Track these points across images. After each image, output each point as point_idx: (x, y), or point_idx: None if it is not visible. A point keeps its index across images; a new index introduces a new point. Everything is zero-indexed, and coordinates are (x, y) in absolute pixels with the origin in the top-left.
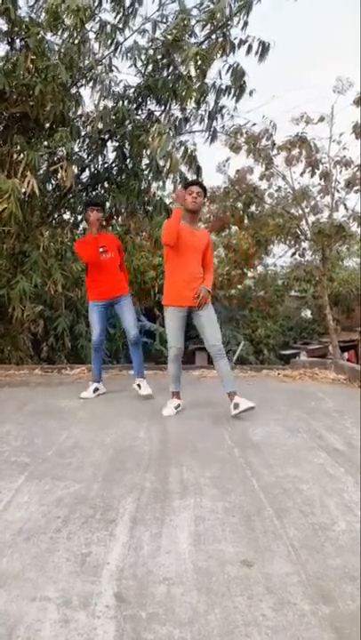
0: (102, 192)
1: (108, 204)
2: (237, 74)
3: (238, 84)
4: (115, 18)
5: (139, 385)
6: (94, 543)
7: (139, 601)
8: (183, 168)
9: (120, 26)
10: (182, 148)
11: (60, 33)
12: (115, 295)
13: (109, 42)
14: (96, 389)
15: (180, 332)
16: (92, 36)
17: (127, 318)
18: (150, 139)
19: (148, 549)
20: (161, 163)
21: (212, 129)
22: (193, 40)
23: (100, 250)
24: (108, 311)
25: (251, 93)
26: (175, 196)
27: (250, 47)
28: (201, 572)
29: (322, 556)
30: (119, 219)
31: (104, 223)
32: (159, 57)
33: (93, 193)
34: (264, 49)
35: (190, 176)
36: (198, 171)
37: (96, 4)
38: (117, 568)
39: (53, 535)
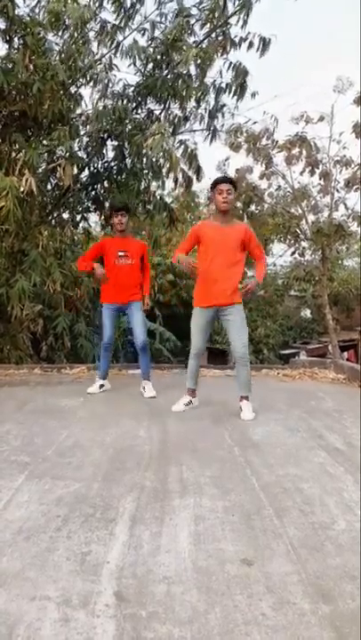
0: (102, 191)
1: (107, 204)
2: (239, 72)
3: (239, 82)
4: (115, 17)
5: (144, 387)
6: (94, 542)
7: (139, 600)
8: (184, 167)
9: (121, 25)
10: (182, 147)
11: (60, 33)
12: (125, 301)
13: (109, 42)
14: (102, 385)
15: (202, 333)
16: (92, 35)
17: (136, 324)
18: (145, 139)
19: (147, 548)
20: (160, 162)
21: (212, 128)
22: (193, 39)
23: (120, 253)
24: (119, 314)
25: (253, 95)
26: (182, 264)
27: (251, 43)
28: (201, 571)
29: (322, 555)
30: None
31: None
32: (158, 56)
33: (93, 192)
34: (265, 45)
35: (191, 176)
36: (198, 170)
37: (97, 5)
38: (117, 567)
39: (53, 534)
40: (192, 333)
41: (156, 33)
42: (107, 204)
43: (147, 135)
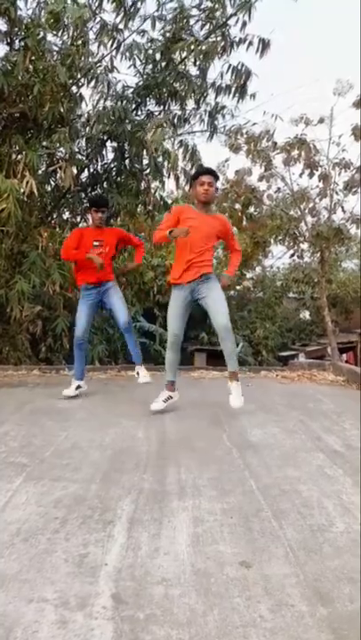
0: (101, 192)
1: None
2: (239, 74)
3: (240, 83)
4: (116, 17)
5: (137, 373)
6: (92, 544)
7: (136, 602)
8: (185, 167)
9: (121, 26)
10: (182, 147)
11: (60, 34)
12: (100, 279)
13: (110, 42)
14: (78, 387)
15: (180, 317)
16: (92, 35)
17: (116, 304)
18: (147, 133)
19: (146, 550)
20: (160, 160)
21: (211, 127)
22: (192, 39)
23: (95, 243)
24: (97, 307)
25: (253, 96)
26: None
27: (250, 44)
28: (199, 574)
29: (320, 557)
30: (118, 219)
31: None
32: (158, 56)
33: (92, 193)
34: (264, 46)
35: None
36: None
37: (97, 4)
38: (115, 569)
39: (51, 536)
40: (169, 320)
41: (156, 34)
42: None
43: (147, 129)
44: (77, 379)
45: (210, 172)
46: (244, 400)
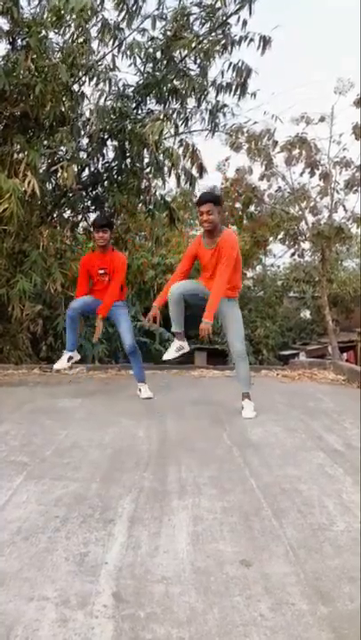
0: (102, 191)
1: (107, 204)
2: (240, 72)
3: (240, 81)
4: (118, 16)
5: (140, 390)
6: (93, 543)
7: (137, 600)
8: (187, 165)
9: (124, 25)
10: (182, 146)
11: (62, 32)
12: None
13: (111, 41)
14: (70, 358)
15: (186, 285)
16: (93, 33)
17: (122, 327)
18: (147, 129)
19: (146, 549)
20: (160, 157)
21: (212, 125)
22: (192, 36)
23: (100, 272)
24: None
25: (254, 95)
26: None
27: (250, 41)
28: (199, 572)
29: (320, 556)
30: (119, 218)
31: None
32: (158, 54)
33: (93, 192)
34: (265, 43)
35: (194, 174)
36: (201, 168)
37: (98, 3)
38: (116, 568)
39: (52, 535)
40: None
41: (156, 33)
42: (106, 204)
43: (146, 123)
44: (69, 350)
45: (207, 200)
46: (250, 409)
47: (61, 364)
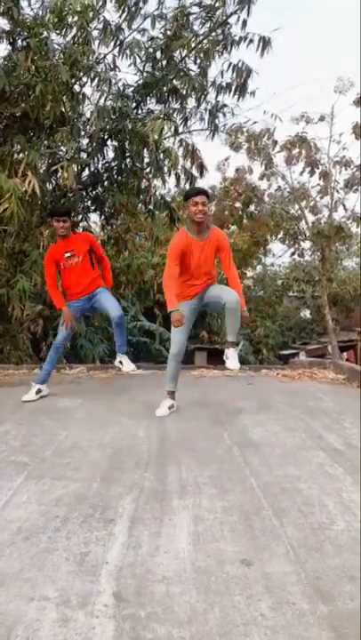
0: (102, 191)
1: (107, 203)
2: (240, 72)
3: (240, 81)
4: (119, 17)
5: (120, 362)
6: (93, 542)
7: (137, 600)
8: (186, 165)
9: (124, 25)
10: (182, 146)
11: (63, 33)
12: (88, 292)
13: (112, 41)
14: (39, 391)
15: (183, 331)
16: (95, 34)
17: (107, 304)
18: (147, 127)
19: (146, 549)
20: (161, 156)
21: (212, 125)
22: (192, 35)
23: (67, 255)
24: (84, 309)
25: (253, 94)
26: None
27: (250, 42)
28: (200, 572)
29: (321, 555)
30: (119, 218)
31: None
32: (158, 54)
33: (93, 192)
34: (265, 44)
35: (194, 174)
36: (201, 167)
37: (99, 4)
38: (116, 567)
39: (52, 535)
40: (172, 330)
41: (156, 32)
42: (107, 204)
43: (147, 122)
44: (39, 382)
45: (202, 192)
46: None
47: (30, 396)
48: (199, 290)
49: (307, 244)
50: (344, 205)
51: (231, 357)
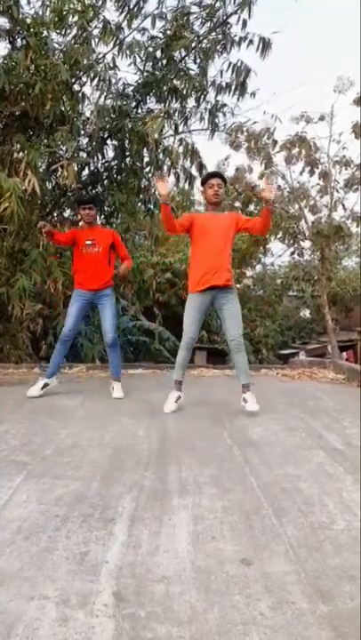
0: (102, 190)
1: (107, 203)
2: (239, 72)
3: (240, 81)
4: (120, 16)
5: (113, 387)
6: (93, 542)
7: (137, 600)
8: (186, 164)
9: (124, 25)
10: (182, 145)
11: (64, 32)
12: (95, 287)
13: (112, 41)
14: (46, 385)
15: (197, 322)
16: (95, 33)
17: (106, 318)
18: (147, 126)
19: (146, 548)
20: (160, 156)
21: (212, 124)
22: (192, 35)
23: (88, 242)
24: (89, 308)
25: (253, 95)
26: (157, 182)
27: (250, 42)
28: (200, 571)
29: (321, 554)
30: (118, 217)
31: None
32: (158, 53)
33: (93, 192)
34: (265, 45)
35: (193, 173)
36: (201, 167)
37: (100, 3)
38: (116, 567)
39: (52, 534)
40: (185, 322)
41: (156, 32)
42: (106, 203)
43: (147, 120)
44: (48, 375)
45: (219, 174)
46: (253, 401)
47: (35, 390)
48: (215, 282)
49: (306, 244)
50: (344, 205)
51: (250, 400)
